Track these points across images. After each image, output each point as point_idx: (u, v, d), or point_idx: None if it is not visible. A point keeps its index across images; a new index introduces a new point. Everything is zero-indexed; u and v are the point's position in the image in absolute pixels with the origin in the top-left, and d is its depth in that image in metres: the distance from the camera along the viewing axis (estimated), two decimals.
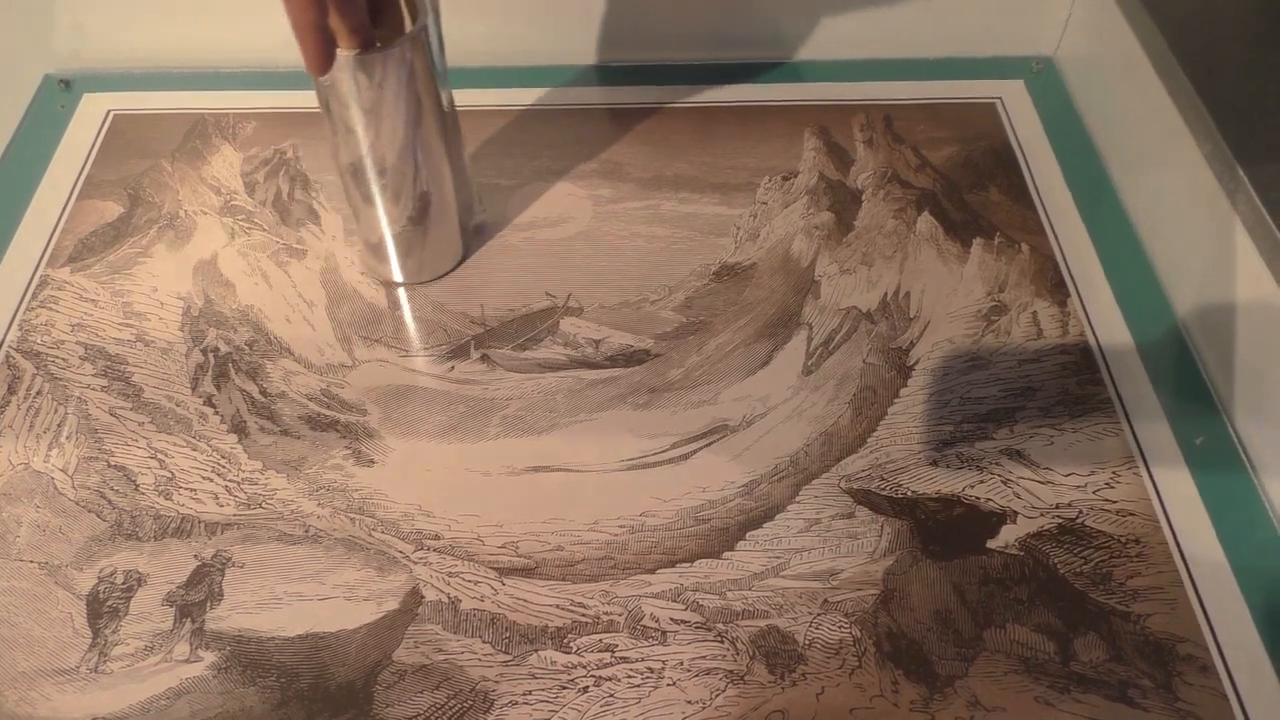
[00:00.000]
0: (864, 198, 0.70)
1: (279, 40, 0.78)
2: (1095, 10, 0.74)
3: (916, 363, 0.61)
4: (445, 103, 0.60)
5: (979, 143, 0.74)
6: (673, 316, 0.64)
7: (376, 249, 0.64)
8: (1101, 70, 0.74)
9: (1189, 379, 0.60)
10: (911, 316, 0.63)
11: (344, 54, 0.53)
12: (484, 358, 0.62)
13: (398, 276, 0.65)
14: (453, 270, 0.66)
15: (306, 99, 0.77)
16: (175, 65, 0.80)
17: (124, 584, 0.53)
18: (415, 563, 0.54)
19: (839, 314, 0.64)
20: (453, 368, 0.62)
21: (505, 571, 0.53)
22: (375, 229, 0.63)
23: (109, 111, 0.77)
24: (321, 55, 0.50)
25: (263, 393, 0.61)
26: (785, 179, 0.72)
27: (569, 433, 0.58)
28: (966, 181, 0.71)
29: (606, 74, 0.76)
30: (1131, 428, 0.58)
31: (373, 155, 0.58)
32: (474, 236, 0.68)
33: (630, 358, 0.62)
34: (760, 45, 0.79)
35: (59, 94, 0.78)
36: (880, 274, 0.66)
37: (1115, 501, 0.55)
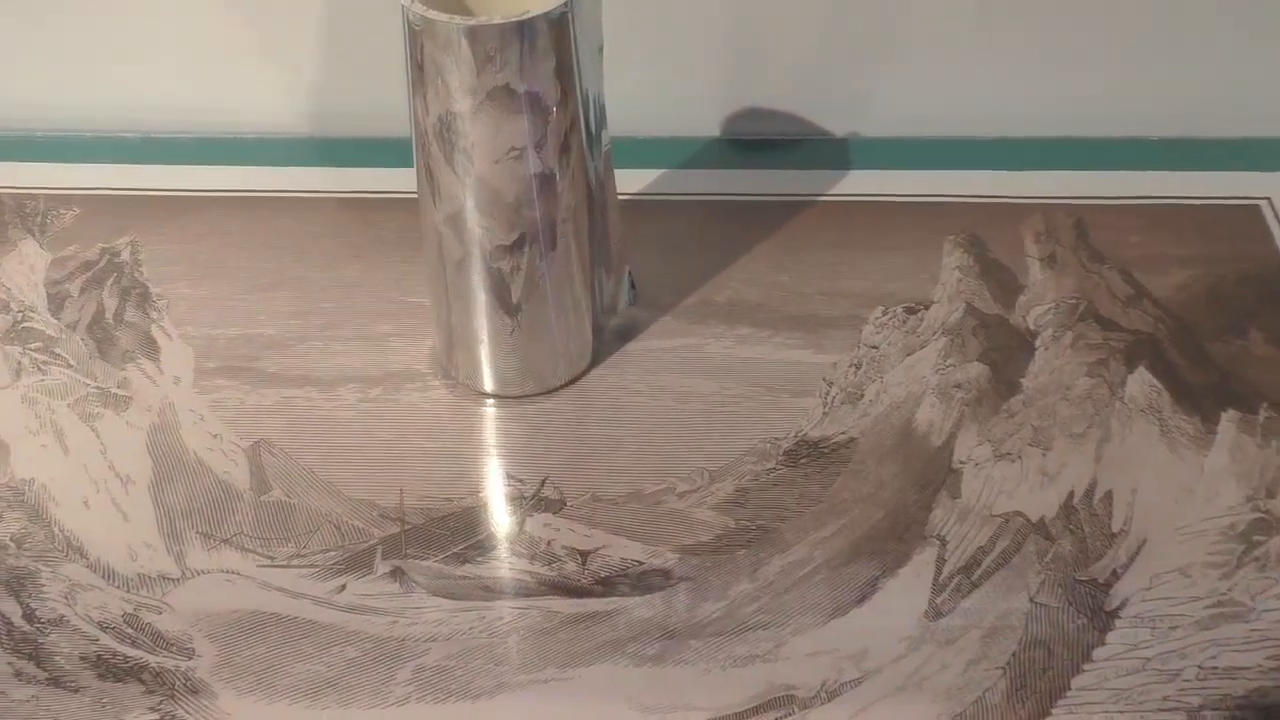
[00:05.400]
0: (1039, 344, 0.69)
1: (127, 97, 0.82)
2: None
3: (1123, 605, 0.58)
4: (593, 138, 0.62)
5: (1232, 265, 0.73)
6: (712, 519, 0.62)
7: (467, 343, 0.66)
8: None
9: None
10: (1115, 532, 0.61)
11: (452, 21, 0.55)
12: (396, 572, 0.60)
13: (488, 385, 0.67)
14: (572, 383, 0.68)
15: (157, 177, 0.79)
16: None
17: None
18: None
19: (991, 524, 0.61)
20: (343, 586, 0.60)
21: None
22: (469, 313, 0.65)
23: None
24: None
25: (29, 616, 0.59)
26: (910, 311, 0.71)
27: (526, 699, 0.56)
28: (1211, 323, 0.70)
29: (638, 150, 0.76)
30: None
31: (479, 192, 0.60)
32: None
33: (638, 582, 0.60)
34: (878, 116, 0.80)
35: None
36: (1063, 462, 0.64)
37: None
